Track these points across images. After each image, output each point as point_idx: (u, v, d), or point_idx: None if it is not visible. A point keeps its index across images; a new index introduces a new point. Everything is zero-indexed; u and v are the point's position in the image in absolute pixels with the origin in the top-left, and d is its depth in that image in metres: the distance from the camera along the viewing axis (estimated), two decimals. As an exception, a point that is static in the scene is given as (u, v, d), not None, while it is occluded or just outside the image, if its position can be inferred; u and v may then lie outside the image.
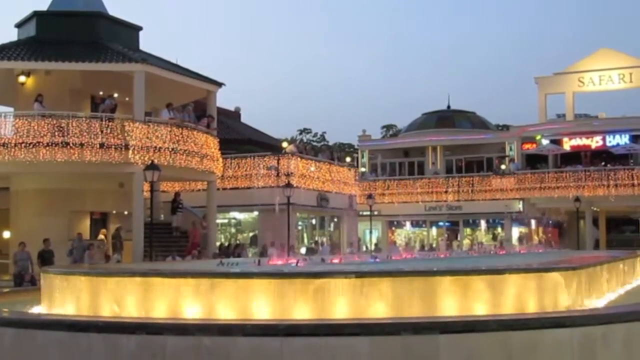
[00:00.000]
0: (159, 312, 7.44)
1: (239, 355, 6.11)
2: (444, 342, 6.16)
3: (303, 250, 29.41)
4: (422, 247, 35.01)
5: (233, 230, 32.69)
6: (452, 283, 7.35)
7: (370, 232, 36.56)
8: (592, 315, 6.96)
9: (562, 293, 7.79)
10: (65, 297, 8.42)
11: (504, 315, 6.93)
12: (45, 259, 17.97)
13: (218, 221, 28.49)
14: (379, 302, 7.24)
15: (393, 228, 41.47)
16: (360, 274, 7.52)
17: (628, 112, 39.84)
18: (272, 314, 7.17)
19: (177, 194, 25.66)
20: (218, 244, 26.79)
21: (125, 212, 22.89)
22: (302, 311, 7.16)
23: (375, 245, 34.93)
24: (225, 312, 7.26)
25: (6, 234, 23.97)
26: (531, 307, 7.49)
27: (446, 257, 13.86)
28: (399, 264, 10.46)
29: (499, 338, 6.27)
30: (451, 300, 7.26)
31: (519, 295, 7.48)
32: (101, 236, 22.49)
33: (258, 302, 7.25)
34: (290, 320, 6.80)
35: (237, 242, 28.63)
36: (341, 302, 7.23)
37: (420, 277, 7.47)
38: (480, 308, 7.26)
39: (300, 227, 32.20)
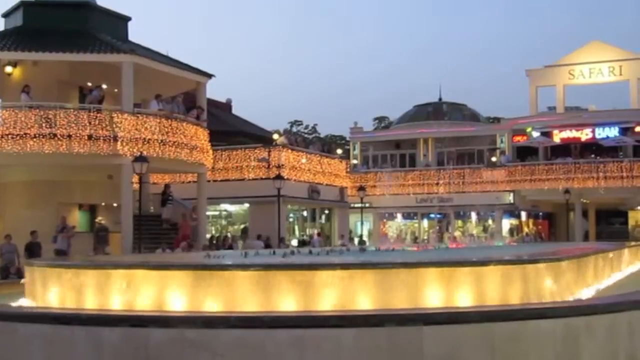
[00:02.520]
0: (144, 304, 7.39)
1: (223, 347, 6.08)
2: (428, 334, 6.15)
3: (294, 242, 29.41)
4: (416, 239, 35.04)
5: (224, 222, 32.66)
6: (438, 274, 7.34)
7: (362, 224, 36.59)
8: (576, 307, 6.98)
9: (547, 284, 7.81)
10: (49, 290, 8.36)
11: (487, 307, 6.94)
12: (33, 251, 17.88)
13: (209, 213, 28.42)
14: (365, 294, 7.22)
15: (384, 220, 41.54)
16: (345, 266, 7.50)
17: (617, 105, 40.09)
18: (257, 306, 7.14)
19: (167, 186, 25.59)
20: (209, 236, 26.75)
21: (115, 204, 22.78)
22: (288, 303, 7.13)
23: (360, 237, 34.78)
24: (211, 304, 7.23)
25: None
26: (515, 298, 7.50)
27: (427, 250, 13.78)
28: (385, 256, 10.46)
29: (482, 329, 6.27)
30: (436, 291, 7.25)
31: (503, 286, 7.48)
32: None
33: (243, 294, 7.21)
34: (274, 312, 6.77)
35: (227, 234, 28.58)
36: (327, 293, 7.21)
37: (406, 268, 7.44)
38: (464, 299, 7.26)
39: (291, 219, 32.19)
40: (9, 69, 22.86)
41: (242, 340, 6.08)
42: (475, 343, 6.24)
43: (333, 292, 7.16)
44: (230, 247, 22.96)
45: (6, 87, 23.31)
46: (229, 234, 28.90)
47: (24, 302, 8.87)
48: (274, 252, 11.04)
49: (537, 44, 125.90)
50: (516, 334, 6.36)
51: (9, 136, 20.16)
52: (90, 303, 7.77)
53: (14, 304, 8.34)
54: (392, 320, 6.18)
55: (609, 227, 40.93)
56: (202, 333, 6.14)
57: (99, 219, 22.40)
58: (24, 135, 20.15)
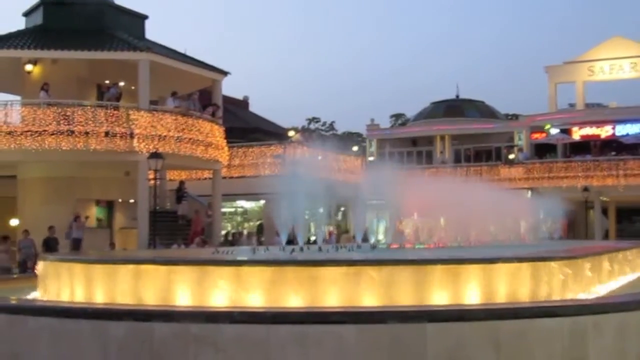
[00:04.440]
0: (150, 299, 7.46)
1: (226, 342, 6.11)
2: (432, 331, 6.12)
3: (312, 238, 29.35)
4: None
5: (239, 218, 32.80)
6: (444, 272, 7.30)
7: (378, 222, 36.48)
8: (583, 305, 6.90)
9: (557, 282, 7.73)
10: (61, 284, 8.47)
11: (492, 304, 6.88)
12: (50, 246, 18.13)
13: (225, 210, 28.54)
14: (371, 291, 7.20)
15: (401, 217, 41.34)
16: (351, 263, 7.49)
17: (639, 101, 39.47)
18: (263, 301, 7.16)
19: (181, 183, 25.75)
20: (224, 232, 26.89)
21: (131, 200, 23.00)
22: (293, 299, 7.14)
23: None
24: (217, 299, 7.26)
25: (14, 222, 24.14)
26: (523, 296, 7.43)
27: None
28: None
29: (487, 327, 6.22)
30: (442, 288, 7.21)
31: (511, 284, 7.42)
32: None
33: (249, 289, 7.24)
34: (277, 307, 6.79)
35: (243, 231, 28.72)
36: (333, 290, 7.20)
37: (412, 265, 7.41)
38: (470, 296, 7.21)
39: (306, 217, 32.13)
40: (29, 67, 23.20)
41: (245, 335, 6.11)
42: (480, 341, 6.20)
43: (338, 289, 7.16)
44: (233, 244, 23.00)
45: (26, 85, 23.67)
46: (244, 231, 29.03)
47: (36, 296, 9.00)
48: (283, 248, 11.06)
49: (556, 40, 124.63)
50: (522, 332, 6.30)
51: (28, 133, 20.47)
52: (100, 297, 7.86)
53: (26, 298, 8.48)
54: (395, 317, 6.16)
55: (631, 225, 40.35)
56: (206, 328, 6.19)
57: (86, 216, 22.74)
58: (43, 132, 20.45)
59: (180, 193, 24.96)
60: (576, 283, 8.28)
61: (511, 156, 38.49)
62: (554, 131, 37.07)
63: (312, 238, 28.97)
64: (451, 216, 15.12)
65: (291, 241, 23.22)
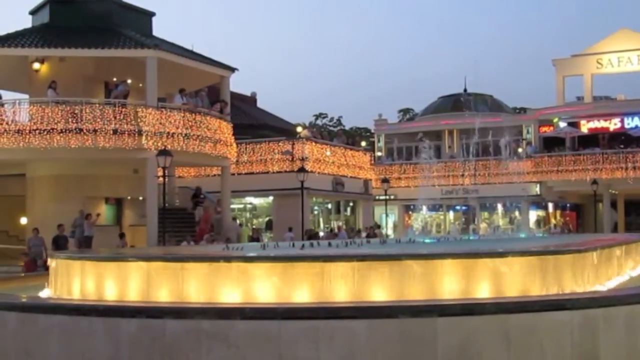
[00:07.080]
0: (162, 295, 7.48)
1: (238, 338, 6.14)
2: (442, 325, 6.13)
3: (321, 234, 29.41)
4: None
5: (248, 215, 32.86)
6: (454, 266, 7.28)
7: (386, 216, 36.46)
8: (593, 298, 6.88)
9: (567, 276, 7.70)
10: (71, 282, 8.51)
11: (502, 298, 6.87)
12: (59, 244, 18.21)
13: (234, 206, 28.59)
14: (381, 285, 7.20)
15: (410, 212, 41.34)
16: (362, 258, 7.49)
17: (648, 94, 39.24)
18: (273, 297, 7.17)
19: (198, 189, 25.74)
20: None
21: (140, 198, 23.07)
22: (304, 295, 7.15)
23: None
24: (228, 295, 7.27)
25: (23, 220, 24.26)
26: (534, 290, 7.41)
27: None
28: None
29: (498, 321, 6.23)
30: (452, 283, 7.20)
31: (521, 278, 7.40)
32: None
33: (259, 285, 7.25)
34: (288, 303, 6.81)
35: (252, 227, 28.77)
36: (343, 285, 7.20)
37: (422, 260, 7.40)
38: (481, 290, 7.20)
39: (315, 212, 32.22)
40: (36, 65, 23.29)
41: (256, 331, 6.14)
42: (491, 334, 6.20)
43: (348, 284, 7.15)
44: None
45: (34, 83, 23.76)
46: (253, 227, 29.08)
47: (47, 294, 9.05)
48: (293, 244, 11.08)
49: (564, 33, 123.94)
50: (532, 325, 6.30)
51: (37, 131, 20.55)
52: (110, 294, 7.89)
53: (37, 295, 8.52)
54: (406, 311, 6.18)
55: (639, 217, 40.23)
56: (217, 324, 6.21)
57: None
58: (51, 130, 20.53)
59: (197, 198, 24.99)
60: (586, 276, 8.25)
61: (520, 150, 38.36)
62: (562, 124, 36.93)
63: (321, 234, 28.97)
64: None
65: (310, 237, 23.25)
